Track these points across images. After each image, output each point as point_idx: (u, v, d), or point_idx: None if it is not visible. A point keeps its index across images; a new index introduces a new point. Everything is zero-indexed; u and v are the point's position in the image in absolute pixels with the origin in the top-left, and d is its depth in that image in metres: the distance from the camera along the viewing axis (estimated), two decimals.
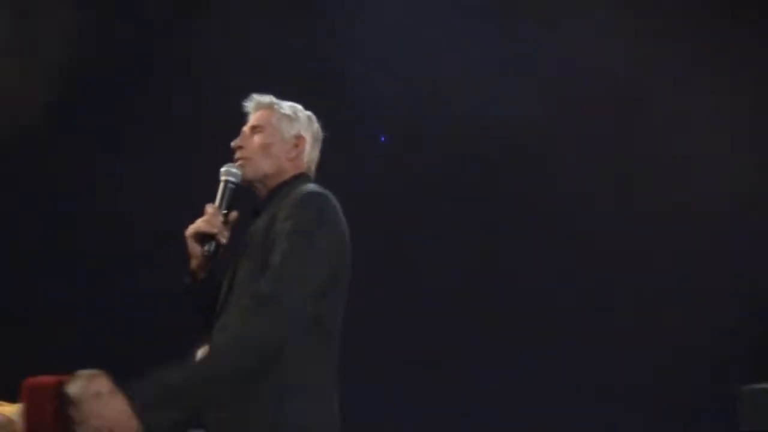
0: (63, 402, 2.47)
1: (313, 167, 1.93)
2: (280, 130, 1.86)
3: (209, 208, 1.78)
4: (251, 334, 1.54)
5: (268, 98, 1.92)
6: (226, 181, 1.82)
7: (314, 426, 1.62)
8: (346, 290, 1.75)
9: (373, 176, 4.17)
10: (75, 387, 2.56)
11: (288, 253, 1.59)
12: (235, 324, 1.60)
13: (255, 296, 1.56)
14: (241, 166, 1.83)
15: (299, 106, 1.95)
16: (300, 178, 1.86)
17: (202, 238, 1.75)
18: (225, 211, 1.80)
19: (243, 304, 1.61)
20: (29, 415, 2.45)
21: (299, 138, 1.88)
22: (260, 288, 1.56)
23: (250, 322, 1.54)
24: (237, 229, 1.84)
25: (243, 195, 1.90)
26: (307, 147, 1.90)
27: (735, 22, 4.03)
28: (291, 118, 1.89)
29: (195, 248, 1.77)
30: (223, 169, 1.84)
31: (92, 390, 2.32)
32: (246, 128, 1.89)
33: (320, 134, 1.95)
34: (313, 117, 1.95)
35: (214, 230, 1.75)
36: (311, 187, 1.78)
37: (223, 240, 1.76)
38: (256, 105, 1.92)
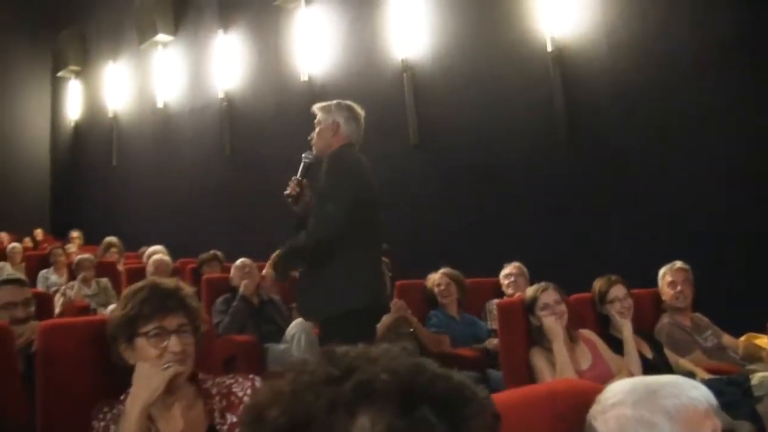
0: None
1: (354, 136, 3.16)
2: (323, 121, 3.17)
3: (292, 180, 3.17)
4: (316, 227, 2.96)
5: (318, 105, 3.23)
6: (303, 160, 3.18)
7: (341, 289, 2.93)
8: (374, 205, 3.05)
9: None
10: None
11: (324, 193, 2.98)
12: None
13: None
14: (312, 148, 3.19)
15: (335, 101, 3.19)
16: (344, 146, 3.10)
17: (287, 195, 3.17)
18: (300, 179, 3.16)
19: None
20: None
21: (334, 122, 3.12)
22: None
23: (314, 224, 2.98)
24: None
25: None
26: (342, 126, 3.11)
27: None
28: (327, 112, 3.16)
29: (286, 199, 3.20)
30: (303, 154, 3.18)
31: None
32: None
33: (352, 113, 3.15)
34: (344, 105, 3.17)
35: (288, 191, 3.16)
36: (335, 151, 3.05)
37: (294, 193, 3.15)
38: (317, 111, 3.22)
